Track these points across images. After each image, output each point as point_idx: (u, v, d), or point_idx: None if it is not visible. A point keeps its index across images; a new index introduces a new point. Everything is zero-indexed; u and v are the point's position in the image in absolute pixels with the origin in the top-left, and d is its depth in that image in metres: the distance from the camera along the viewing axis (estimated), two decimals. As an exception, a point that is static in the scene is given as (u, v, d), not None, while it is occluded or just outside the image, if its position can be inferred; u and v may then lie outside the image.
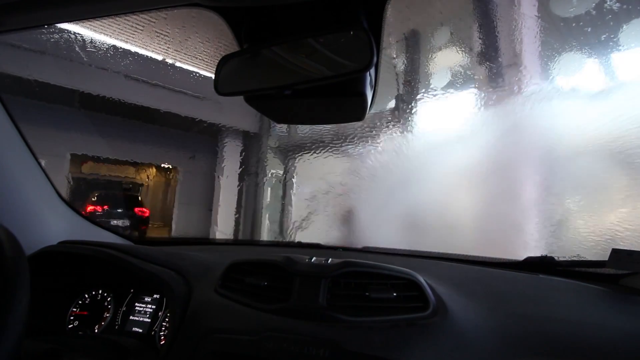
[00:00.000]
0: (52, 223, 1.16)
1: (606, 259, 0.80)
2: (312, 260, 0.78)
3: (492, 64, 1.46)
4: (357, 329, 0.66)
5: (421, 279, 0.74)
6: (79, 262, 1.08)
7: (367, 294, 0.71)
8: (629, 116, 1.22)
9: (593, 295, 0.78)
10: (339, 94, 0.59)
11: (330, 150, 1.85)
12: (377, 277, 0.73)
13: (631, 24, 1.13)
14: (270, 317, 0.72)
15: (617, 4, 1.13)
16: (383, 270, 0.74)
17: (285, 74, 0.57)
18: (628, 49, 1.18)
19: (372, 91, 0.62)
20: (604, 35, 1.19)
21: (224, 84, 0.60)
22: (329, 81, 0.54)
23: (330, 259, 0.78)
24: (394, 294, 0.71)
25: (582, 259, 0.98)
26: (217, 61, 0.59)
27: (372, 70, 0.58)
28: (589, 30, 1.20)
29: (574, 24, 1.24)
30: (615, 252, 0.79)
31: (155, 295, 1.08)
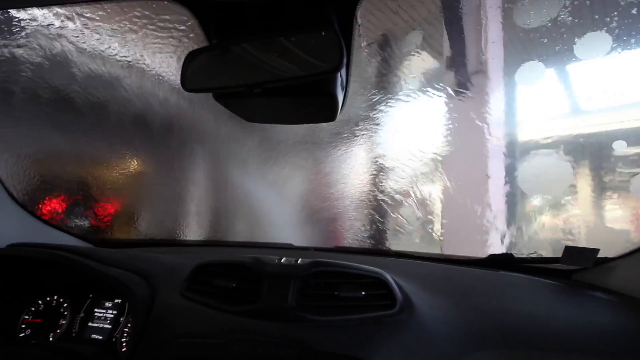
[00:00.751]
0: (2, 225, 1.08)
1: (561, 255, 0.85)
2: (282, 260, 0.77)
3: (459, 69, 1.53)
4: (325, 328, 0.66)
5: (389, 277, 0.75)
6: (32, 266, 1.01)
7: (336, 293, 0.71)
8: (586, 121, 1.31)
9: (548, 289, 0.83)
10: (309, 94, 0.59)
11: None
12: (346, 277, 0.74)
13: (584, 37, 1.23)
14: (239, 319, 0.70)
15: (570, 18, 1.21)
16: (352, 270, 0.75)
17: (255, 71, 0.56)
18: (581, 60, 1.28)
19: (343, 92, 0.63)
20: (558, 47, 1.28)
21: (191, 80, 0.59)
22: (300, 81, 0.54)
23: (300, 259, 0.77)
24: (363, 293, 0.71)
25: (539, 255, 1.04)
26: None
27: (343, 71, 0.59)
28: (545, 41, 1.29)
29: (531, 35, 1.32)
30: (568, 249, 0.84)
31: (116, 300, 1.03)
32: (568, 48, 1.28)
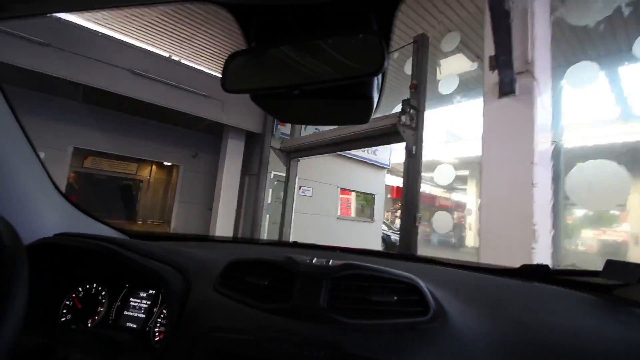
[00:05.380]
0: (48, 215, 1.15)
1: (599, 269, 0.80)
2: (314, 261, 0.77)
3: (503, 71, 1.46)
4: (358, 332, 0.66)
5: (422, 283, 0.74)
6: (74, 255, 1.07)
7: (367, 297, 0.71)
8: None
9: (588, 304, 0.78)
10: (346, 97, 0.59)
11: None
12: (377, 280, 0.73)
13: None
14: (271, 317, 0.71)
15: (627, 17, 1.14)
16: (384, 274, 0.74)
17: (293, 74, 0.57)
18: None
19: (378, 95, 0.62)
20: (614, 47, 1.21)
21: (231, 81, 0.60)
22: (338, 83, 0.54)
23: (331, 260, 0.77)
24: (395, 298, 0.70)
25: (576, 268, 0.98)
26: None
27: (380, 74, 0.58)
28: (598, 41, 1.22)
29: (584, 34, 1.26)
30: (610, 263, 0.79)
31: (150, 291, 1.07)
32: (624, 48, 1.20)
